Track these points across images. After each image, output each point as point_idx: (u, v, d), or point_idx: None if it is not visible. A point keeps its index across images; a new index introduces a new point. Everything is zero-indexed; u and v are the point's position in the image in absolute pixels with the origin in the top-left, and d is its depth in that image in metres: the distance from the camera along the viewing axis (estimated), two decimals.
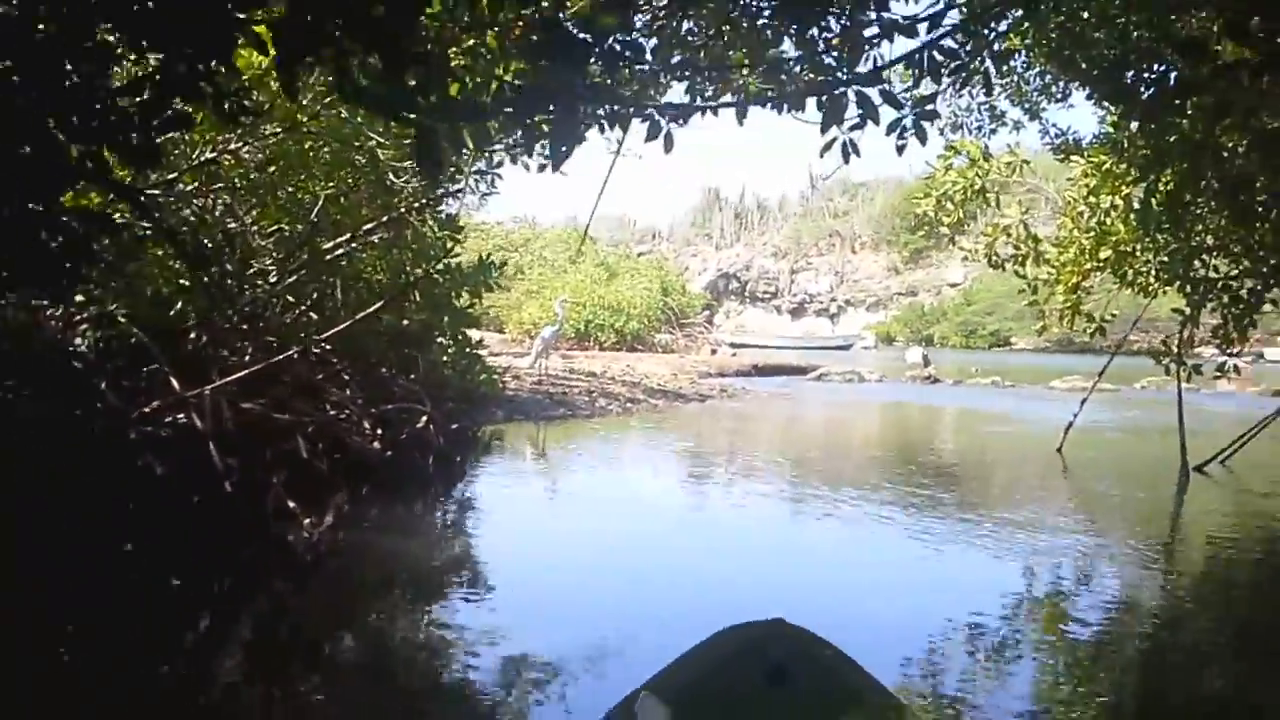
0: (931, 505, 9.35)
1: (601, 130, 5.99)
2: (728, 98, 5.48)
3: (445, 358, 10.83)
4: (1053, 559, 7.49)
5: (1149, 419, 16.86)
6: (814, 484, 10.79)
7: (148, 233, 7.22)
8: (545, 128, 6.07)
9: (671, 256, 66.38)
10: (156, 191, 8.03)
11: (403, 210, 8.74)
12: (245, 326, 8.53)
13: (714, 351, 34.60)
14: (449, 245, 9.98)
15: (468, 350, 11.61)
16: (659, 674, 2.86)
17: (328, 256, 8.48)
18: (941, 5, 4.74)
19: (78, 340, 6.62)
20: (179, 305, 6.92)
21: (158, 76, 2.86)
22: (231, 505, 6.40)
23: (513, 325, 33.11)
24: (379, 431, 8.81)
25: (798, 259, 72.74)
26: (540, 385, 17.97)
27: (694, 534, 8.42)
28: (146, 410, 6.43)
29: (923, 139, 4.59)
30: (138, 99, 2.92)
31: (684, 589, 6.45)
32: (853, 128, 4.61)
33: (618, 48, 5.96)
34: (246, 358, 8.17)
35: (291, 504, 6.79)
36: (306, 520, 6.82)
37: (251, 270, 8.38)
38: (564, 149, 2.97)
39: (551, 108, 2.88)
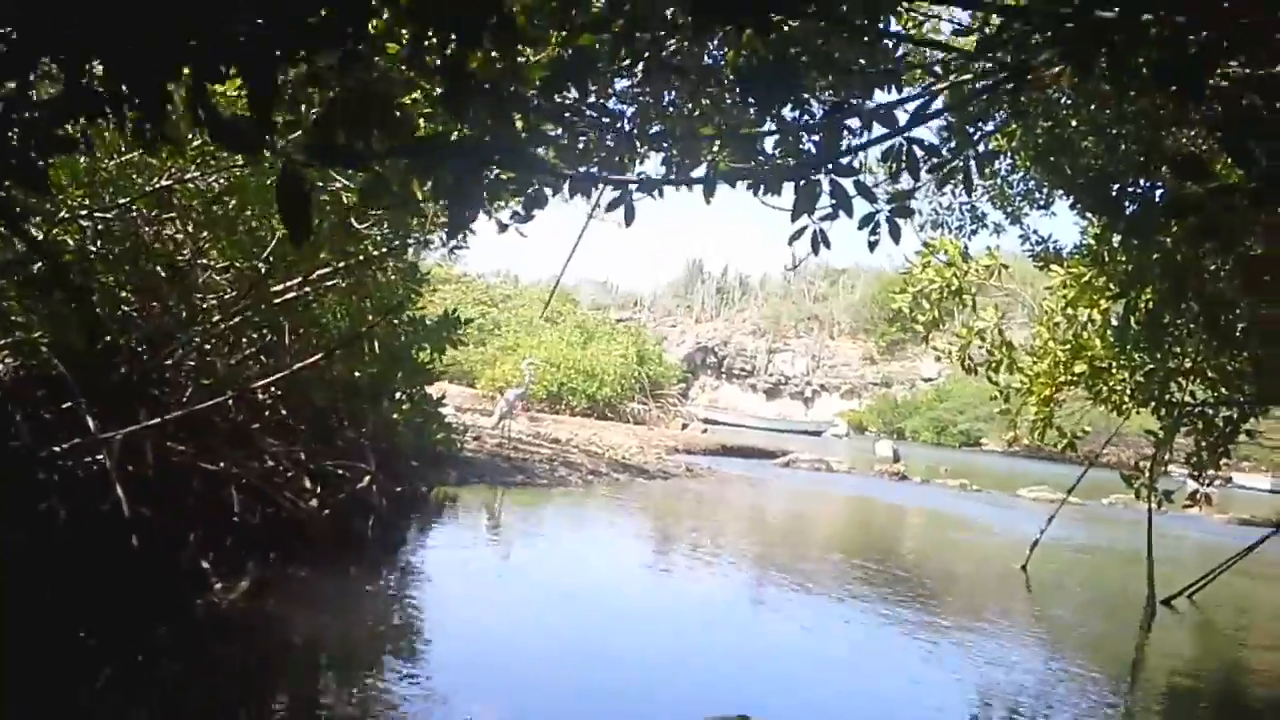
0: (886, 617, 8.97)
1: (573, 195, 5.76)
2: (700, 172, 5.21)
3: (397, 414, 10.39)
4: (1006, 689, 7.15)
5: (1115, 539, 16.57)
6: (768, 580, 10.43)
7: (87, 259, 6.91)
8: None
9: (651, 325, 66.28)
10: (110, 215, 7.74)
11: (360, 258, 8.41)
12: (189, 364, 8.17)
13: (684, 426, 34.23)
14: (410, 296, 9.67)
15: (425, 407, 11.23)
16: None
17: (277, 299, 8.11)
18: (925, 98, 4.50)
19: None
20: (106, 338, 6.53)
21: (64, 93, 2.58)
22: (137, 561, 5.90)
23: (485, 381, 32.69)
24: (316, 489, 8.38)
25: (776, 339, 72.79)
26: (501, 448, 17.59)
27: (640, 619, 8.10)
28: (57, 449, 6.00)
29: (896, 236, 4.35)
30: (23, 116, 2.63)
31: (624, 670, 6.35)
32: (824, 217, 4.38)
33: (591, 113, 5.72)
34: (185, 398, 7.78)
35: (205, 564, 6.33)
36: (219, 585, 6.33)
37: (198, 305, 8.04)
38: (464, 214, 2.63)
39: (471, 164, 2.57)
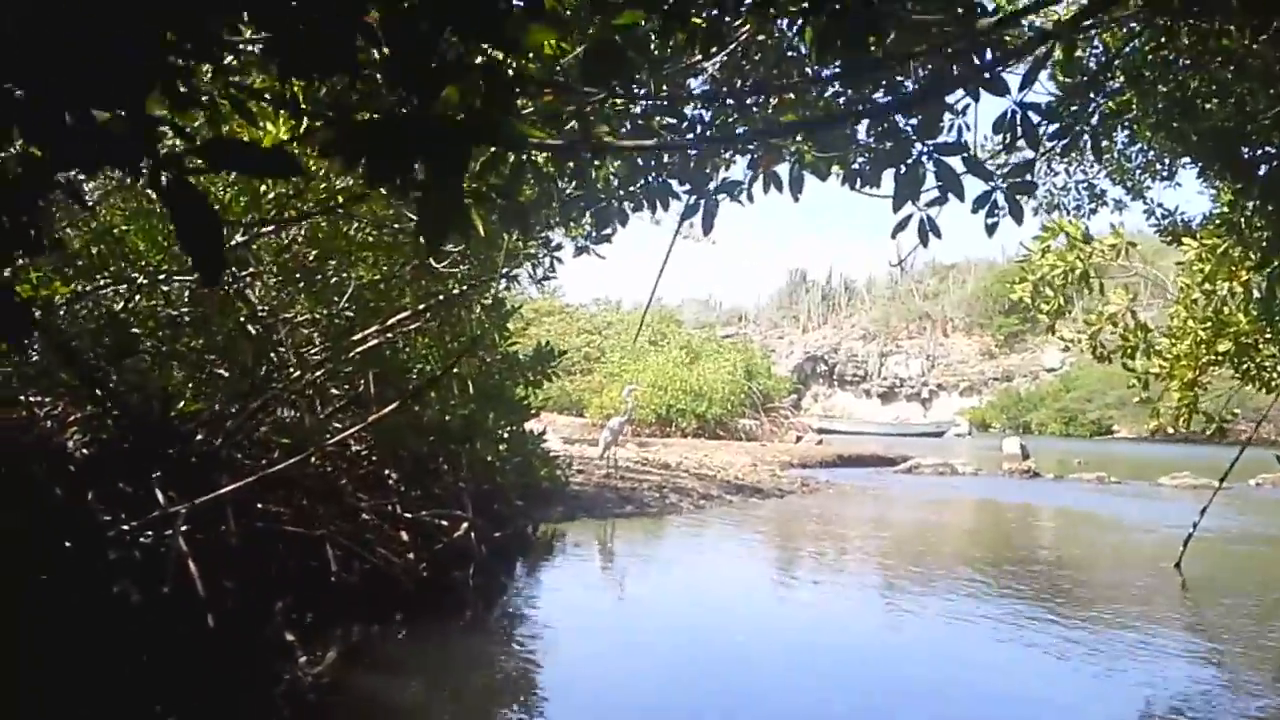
0: (1032, 632, 8.25)
1: (653, 210, 5.30)
2: (783, 168, 4.68)
3: (491, 456, 9.95)
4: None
5: (1271, 524, 15.35)
6: (899, 605, 9.79)
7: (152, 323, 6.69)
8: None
9: (757, 339, 65.51)
10: (190, 278, 7.54)
11: (441, 297, 8.06)
12: (274, 422, 7.92)
13: (798, 439, 33.46)
14: (498, 334, 9.31)
15: (526, 445, 10.84)
16: None
17: (358, 349, 7.78)
18: (1032, 60, 3.92)
19: (70, 444, 6.00)
20: (181, 404, 6.26)
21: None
22: (218, 637, 5.54)
23: (593, 409, 32.49)
24: (413, 541, 8.00)
25: (887, 342, 71.32)
26: (609, 479, 17.15)
27: (775, 651, 7.58)
28: (127, 526, 5.71)
29: (1018, 216, 3.77)
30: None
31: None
32: (931, 203, 3.82)
33: (669, 118, 5.23)
34: (271, 458, 7.51)
35: (289, 636, 5.96)
36: (303, 658, 5.92)
37: (284, 361, 7.78)
38: (444, 214, 2.08)
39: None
